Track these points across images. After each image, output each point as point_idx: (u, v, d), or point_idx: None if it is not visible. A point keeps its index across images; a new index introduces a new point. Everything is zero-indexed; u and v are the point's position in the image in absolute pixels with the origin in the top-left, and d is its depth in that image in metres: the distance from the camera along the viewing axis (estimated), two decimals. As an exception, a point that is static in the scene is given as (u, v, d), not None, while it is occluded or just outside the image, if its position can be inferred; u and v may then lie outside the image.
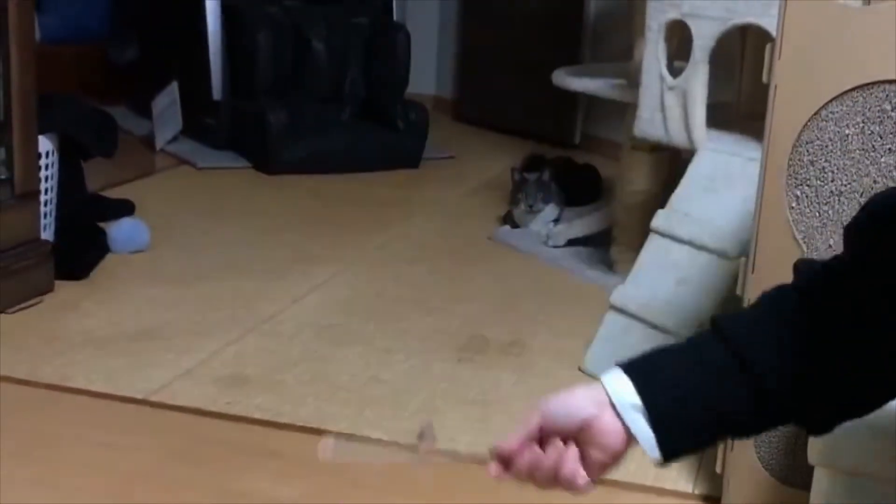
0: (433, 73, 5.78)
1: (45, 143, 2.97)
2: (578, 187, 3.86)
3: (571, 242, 3.56)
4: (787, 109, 1.80)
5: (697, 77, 2.61)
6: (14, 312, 2.77)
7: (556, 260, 3.46)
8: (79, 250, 3.11)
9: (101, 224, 3.32)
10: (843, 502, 1.46)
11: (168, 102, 4.70)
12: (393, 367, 2.61)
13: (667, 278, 2.52)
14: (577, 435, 1.03)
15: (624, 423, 1.01)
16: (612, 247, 3.34)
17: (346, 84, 4.80)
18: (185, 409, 2.35)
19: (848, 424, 1.41)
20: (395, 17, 5.04)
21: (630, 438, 1.02)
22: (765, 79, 1.85)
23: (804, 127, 1.78)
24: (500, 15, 5.34)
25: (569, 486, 1.03)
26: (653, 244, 2.59)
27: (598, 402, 1.03)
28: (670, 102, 2.67)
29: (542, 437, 1.05)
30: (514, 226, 3.74)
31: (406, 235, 3.71)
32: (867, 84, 1.72)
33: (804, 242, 1.79)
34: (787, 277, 1.77)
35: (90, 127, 3.26)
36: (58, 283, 2.94)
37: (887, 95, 1.70)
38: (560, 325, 2.91)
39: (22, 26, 2.74)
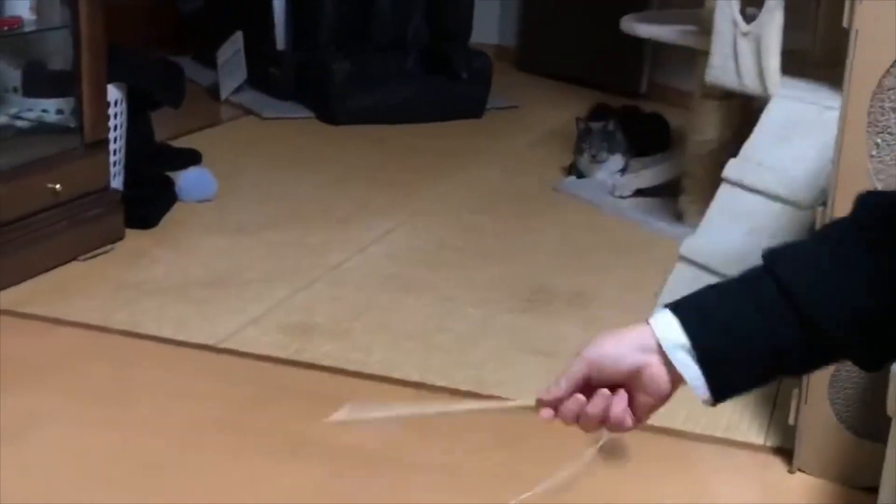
0: (496, 22, 5.72)
1: (113, 93, 2.99)
2: (645, 137, 3.80)
3: (638, 193, 3.51)
4: (868, 54, 1.75)
5: (772, 23, 2.54)
6: (86, 260, 2.81)
7: (622, 211, 3.42)
8: (148, 199, 3.14)
9: (169, 173, 3.35)
10: (924, 455, 1.43)
11: (232, 52, 4.71)
12: (458, 316, 2.60)
13: (738, 228, 2.48)
14: (625, 382, 1.01)
15: (672, 366, 0.99)
16: (680, 197, 3.29)
17: (409, 33, 4.77)
18: (253, 355, 2.37)
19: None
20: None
21: (678, 380, 0.99)
22: (845, 23, 1.80)
23: (886, 73, 1.73)
24: (566, -38, 5.26)
25: (617, 428, 1.02)
26: (724, 194, 2.55)
27: (644, 347, 1.00)
28: (743, 49, 2.61)
29: (588, 384, 1.04)
30: (580, 176, 3.71)
31: (470, 185, 3.69)
32: (954, 27, 1.66)
33: (884, 183, 1.74)
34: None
35: (158, 77, 3.28)
36: (128, 231, 2.98)
37: (975, 39, 1.64)
38: (627, 276, 2.88)
39: (90, -24, 2.76)
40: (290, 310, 2.61)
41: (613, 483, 1.92)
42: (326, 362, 2.34)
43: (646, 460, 2.00)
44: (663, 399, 1.01)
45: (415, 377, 2.28)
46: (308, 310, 2.61)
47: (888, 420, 1.56)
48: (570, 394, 1.04)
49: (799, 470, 1.94)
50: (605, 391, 1.02)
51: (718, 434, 2.08)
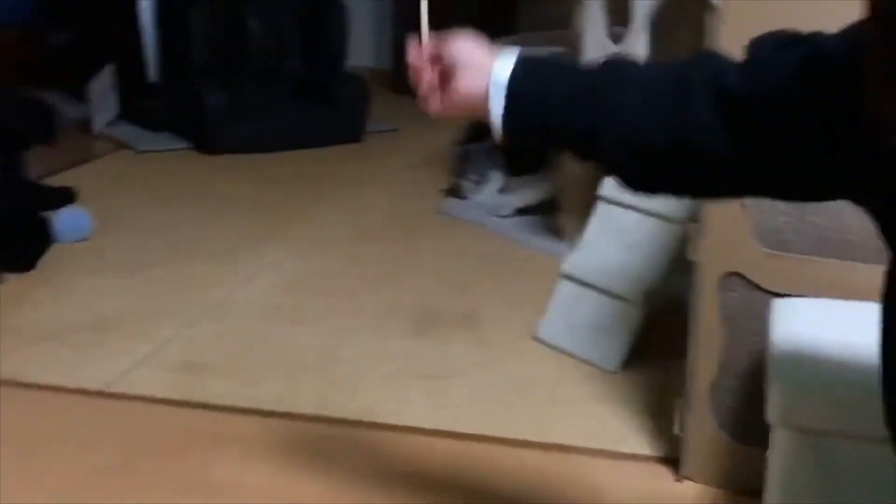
0: (371, 45, 5.76)
1: (-18, 135, 2.92)
2: (523, 156, 3.87)
3: (519, 212, 3.58)
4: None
5: (638, 43, 2.63)
6: (-39, 308, 2.74)
7: (504, 230, 3.48)
8: (23, 242, 3.07)
9: (44, 214, 3.28)
10: (800, 459, 1.50)
11: (104, 86, 4.63)
12: (350, 345, 2.61)
13: (616, 244, 2.55)
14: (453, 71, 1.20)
15: (489, 92, 1.16)
16: (559, 215, 3.36)
17: (283, 61, 4.77)
18: (143, 398, 2.34)
19: (805, 383, 1.45)
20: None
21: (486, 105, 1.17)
22: (707, 44, 1.87)
23: (748, 93, 1.80)
24: (435, -15, 5.32)
25: (425, 103, 1.24)
26: (600, 211, 2.62)
27: (486, 72, 1.17)
28: (612, 70, 2.69)
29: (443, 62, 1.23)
30: (461, 197, 3.76)
31: (353, 211, 3.71)
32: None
33: (751, 203, 1.82)
34: (739, 237, 1.81)
35: (28, 116, 3.21)
36: (4, 275, 2.91)
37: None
38: (512, 295, 2.94)
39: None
40: (177, 349, 2.58)
41: (505, 499, 1.96)
42: (218, 401, 2.32)
43: (538, 476, 2.05)
44: (467, 104, 1.21)
45: (310, 410, 2.28)
46: (196, 347, 2.59)
47: (768, 426, 1.63)
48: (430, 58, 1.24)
49: (686, 478, 2.00)
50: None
51: (607, 447, 2.14)
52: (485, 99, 1.17)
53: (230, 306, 2.85)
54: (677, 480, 2.01)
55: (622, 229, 2.56)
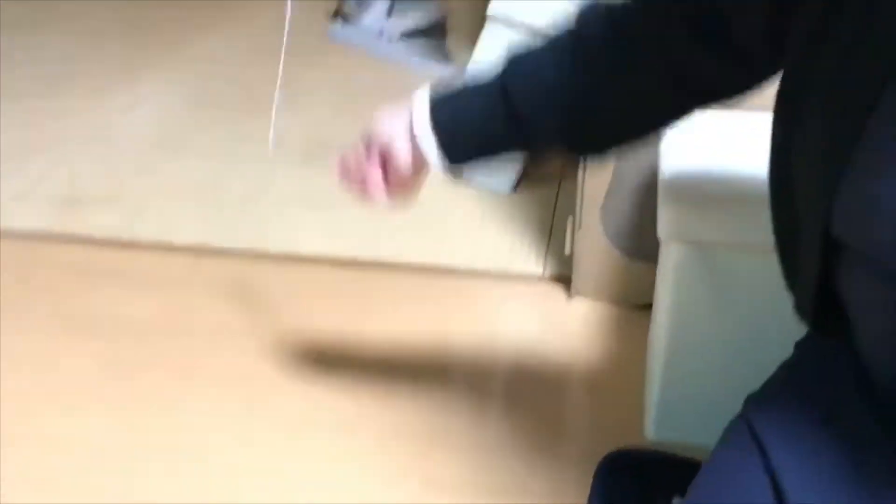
0: None
1: None
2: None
3: (406, 35, 3.48)
4: None
5: None
6: None
7: (392, 55, 3.39)
8: None
9: None
10: (690, 272, 1.51)
11: None
12: (235, 175, 2.54)
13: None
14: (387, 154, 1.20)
15: (419, 140, 1.16)
16: (447, 36, 3.28)
17: None
18: (19, 233, 2.25)
19: (695, 197, 1.45)
20: None
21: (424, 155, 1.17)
22: None
23: None
24: None
25: (370, 197, 1.22)
26: (489, 31, 2.55)
27: (407, 126, 1.18)
28: None
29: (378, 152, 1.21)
30: (346, 21, 3.63)
31: (235, 37, 3.55)
32: None
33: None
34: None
35: None
36: None
37: None
38: (402, 120, 2.87)
39: None
40: (55, 182, 2.47)
41: (398, 324, 1.95)
42: (98, 234, 2.24)
43: (428, 299, 2.04)
44: (416, 171, 1.20)
45: (194, 240, 2.22)
46: (74, 180, 2.49)
47: (658, 241, 1.63)
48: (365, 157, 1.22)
49: (578, 295, 2.02)
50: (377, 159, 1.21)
51: (499, 269, 2.14)
52: (421, 152, 1.17)
53: (109, 138, 2.73)
54: (569, 298, 2.03)
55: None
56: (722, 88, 1.06)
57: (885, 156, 0.78)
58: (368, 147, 1.22)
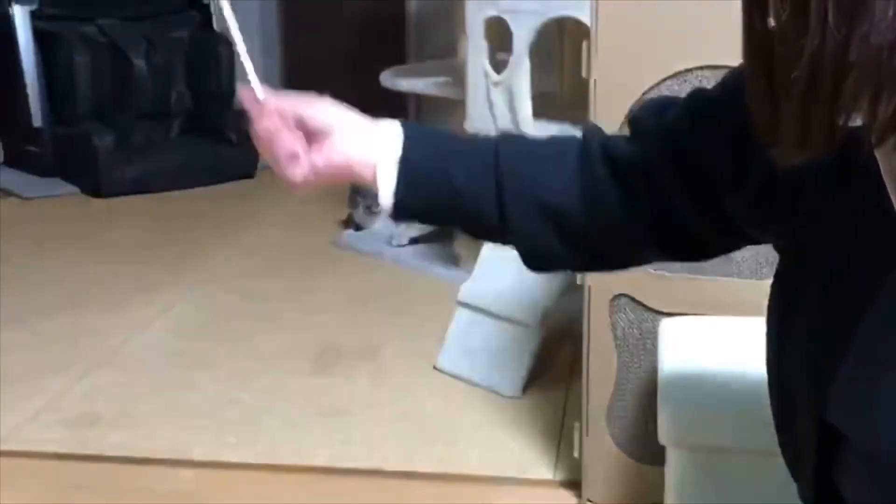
0: (259, 76, 5.70)
1: None
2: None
3: (415, 240, 3.58)
4: (606, 102, 1.86)
5: (520, 71, 2.67)
6: None
7: (401, 259, 3.48)
8: None
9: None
10: (693, 477, 1.53)
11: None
12: (249, 387, 2.58)
13: (509, 270, 2.57)
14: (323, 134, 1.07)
15: (374, 160, 1.07)
16: (454, 241, 3.38)
17: (171, 100, 4.71)
18: (37, 454, 2.28)
19: (692, 403, 1.48)
20: (215, 28, 4.96)
21: (368, 173, 1.07)
22: (584, 73, 1.91)
23: (625, 119, 1.84)
24: (322, 18, 5.33)
25: (286, 170, 1.08)
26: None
27: (369, 138, 1.08)
28: (496, 98, 2.72)
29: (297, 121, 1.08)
30: (357, 228, 3.75)
31: (249, 249, 3.67)
32: (681, 72, 1.79)
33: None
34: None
35: None
36: None
37: (700, 81, 1.77)
38: (411, 325, 2.93)
39: None
40: (71, 402, 2.52)
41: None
42: (113, 452, 2.27)
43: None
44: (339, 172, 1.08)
45: (206, 457, 2.25)
46: (90, 399, 2.53)
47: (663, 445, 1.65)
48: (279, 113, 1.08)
49: (588, 500, 2.02)
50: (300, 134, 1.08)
51: (510, 475, 2.15)
52: (366, 167, 1.07)
53: (126, 355, 2.79)
54: (580, 503, 2.03)
55: (514, 255, 2.58)
56: (703, 247, 1.07)
57: (884, 346, 0.79)
58: (301, 115, 1.09)
